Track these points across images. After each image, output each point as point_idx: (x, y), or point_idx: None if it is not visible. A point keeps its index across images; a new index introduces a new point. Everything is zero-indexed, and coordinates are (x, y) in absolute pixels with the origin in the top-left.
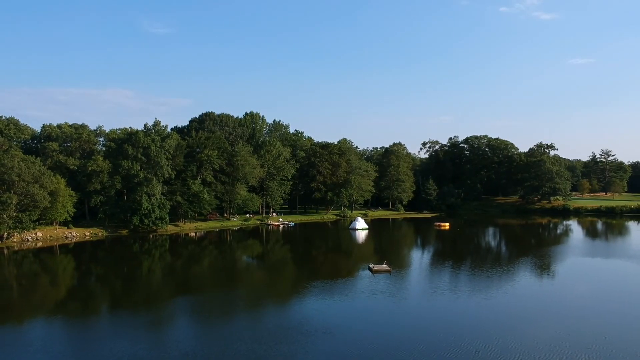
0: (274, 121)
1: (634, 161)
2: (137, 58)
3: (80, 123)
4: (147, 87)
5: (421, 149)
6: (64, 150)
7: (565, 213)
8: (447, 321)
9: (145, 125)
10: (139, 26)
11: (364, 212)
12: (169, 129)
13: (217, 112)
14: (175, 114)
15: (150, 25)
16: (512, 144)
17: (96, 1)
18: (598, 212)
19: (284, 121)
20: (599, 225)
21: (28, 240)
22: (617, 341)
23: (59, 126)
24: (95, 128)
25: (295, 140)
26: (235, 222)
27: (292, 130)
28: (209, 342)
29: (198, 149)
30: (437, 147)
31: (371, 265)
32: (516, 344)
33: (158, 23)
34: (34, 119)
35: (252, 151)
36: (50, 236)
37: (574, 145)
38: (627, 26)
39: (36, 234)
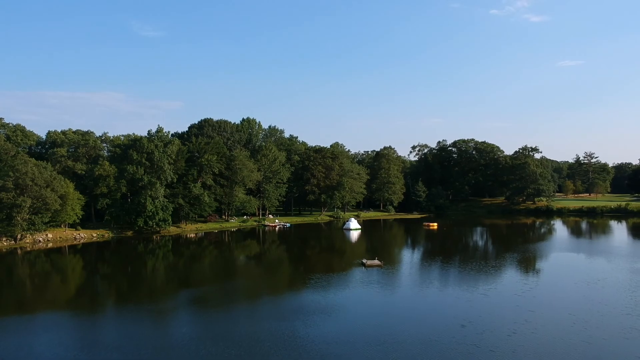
0: (269, 127)
1: (619, 163)
2: (127, 61)
3: (76, 128)
4: (137, 90)
5: (411, 152)
6: (72, 155)
7: (549, 213)
8: (434, 304)
9: (148, 131)
10: (130, 29)
11: (356, 213)
12: (170, 136)
13: (208, 115)
14: (167, 117)
15: (140, 28)
16: (498, 147)
17: (87, 4)
18: (580, 212)
19: (279, 126)
20: (579, 224)
21: (39, 241)
22: (582, 318)
23: (64, 132)
24: (100, 134)
25: (290, 145)
26: (233, 223)
27: (286, 135)
28: (214, 325)
29: (198, 154)
30: (426, 150)
31: (364, 261)
32: (497, 320)
33: (148, 26)
34: (25, 122)
35: (249, 156)
36: (60, 237)
37: (562, 147)
38: (617, 29)
39: (47, 235)
